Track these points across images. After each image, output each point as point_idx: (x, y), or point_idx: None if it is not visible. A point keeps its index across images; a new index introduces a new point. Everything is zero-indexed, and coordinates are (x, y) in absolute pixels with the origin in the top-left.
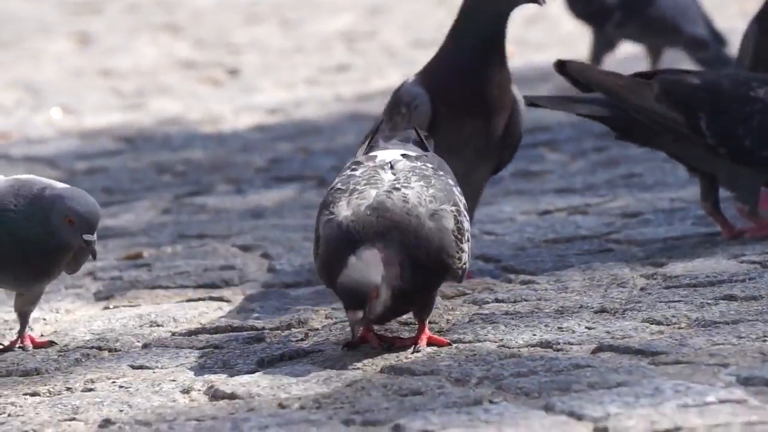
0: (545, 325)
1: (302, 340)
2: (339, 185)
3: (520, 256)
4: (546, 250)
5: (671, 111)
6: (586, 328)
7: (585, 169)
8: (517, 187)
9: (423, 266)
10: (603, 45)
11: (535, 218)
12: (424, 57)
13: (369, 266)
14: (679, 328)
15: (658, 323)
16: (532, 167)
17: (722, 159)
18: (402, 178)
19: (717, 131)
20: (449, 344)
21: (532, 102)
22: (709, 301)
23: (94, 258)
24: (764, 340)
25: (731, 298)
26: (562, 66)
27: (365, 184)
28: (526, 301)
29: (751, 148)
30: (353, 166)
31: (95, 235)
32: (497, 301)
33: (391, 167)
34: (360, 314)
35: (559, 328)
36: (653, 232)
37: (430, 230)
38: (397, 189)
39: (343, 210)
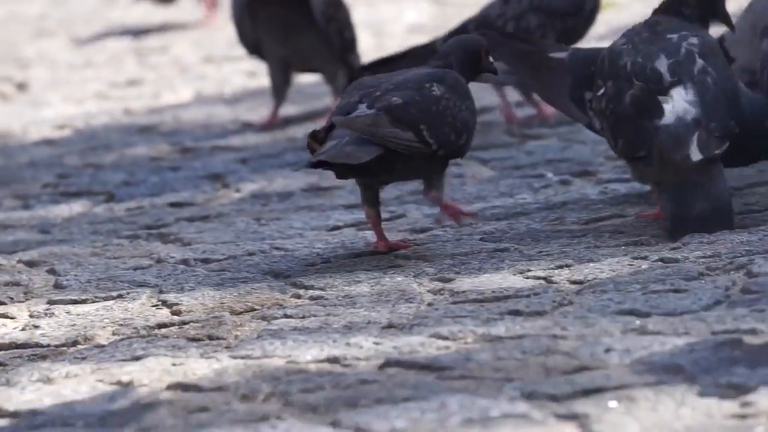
0: (333, 341)
1: (87, 357)
2: None
3: (309, 272)
4: (335, 265)
5: (405, 132)
6: (373, 343)
7: None
8: (308, 203)
9: None
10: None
11: (324, 234)
12: (215, 72)
13: None
14: (466, 343)
15: (445, 338)
16: (322, 183)
17: (441, 159)
18: None
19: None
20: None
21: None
22: (495, 317)
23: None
24: (548, 355)
25: (517, 313)
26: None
27: None
28: (314, 316)
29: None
30: None
31: None
32: (286, 316)
33: None
34: None
35: (347, 343)
36: (441, 248)
37: None
38: None
39: None
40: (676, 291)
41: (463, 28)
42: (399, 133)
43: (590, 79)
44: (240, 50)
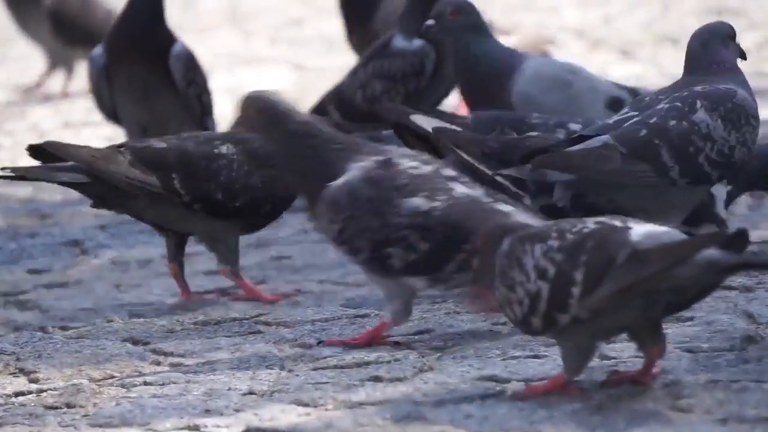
0: (193, 408)
1: None
2: None
3: (169, 338)
4: (195, 332)
5: (146, 174)
6: (234, 410)
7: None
8: (167, 269)
9: None
10: None
11: (185, 300)
12: (73, 138)
13: None
14: (326, 409)
15: (306, 405)
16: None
17: (198, 215)
18: None
19: (190, 189)
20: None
21: (7, 175)
22: (355, 383)
23: None
24: (408, 421)
25: (377, 379)
26: (36, 150)
27: None
28: (174, 383)
29: (223, 200)
30: None
31: None
32: (145, 384)
33: None
34: None
35: (206, 410)
36: (302, 314)
37: None
38: None
39: None
40: (535, 357)
41: (321, 104)
42: None
43: None
44: (99, 116)
